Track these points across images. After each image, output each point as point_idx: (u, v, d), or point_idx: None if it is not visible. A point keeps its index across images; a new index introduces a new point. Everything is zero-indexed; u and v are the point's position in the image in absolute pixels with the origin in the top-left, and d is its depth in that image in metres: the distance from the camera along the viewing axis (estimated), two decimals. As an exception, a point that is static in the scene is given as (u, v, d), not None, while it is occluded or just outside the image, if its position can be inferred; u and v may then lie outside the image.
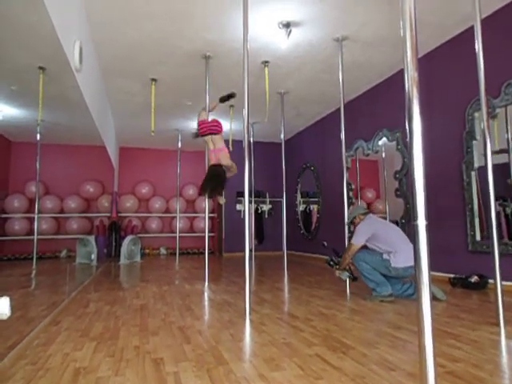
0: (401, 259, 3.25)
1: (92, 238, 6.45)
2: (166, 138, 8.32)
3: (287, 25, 3.95)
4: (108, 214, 8.07)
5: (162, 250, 8.98)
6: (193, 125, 7.40)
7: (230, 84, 5.44)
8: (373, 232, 3.38)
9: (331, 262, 3.64)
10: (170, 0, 3.54)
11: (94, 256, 6.26)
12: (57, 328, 2.48)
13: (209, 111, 4.40)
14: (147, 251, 8.83)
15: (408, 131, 1.21)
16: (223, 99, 4.28)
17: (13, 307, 1.68)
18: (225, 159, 3.81)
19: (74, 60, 3.12)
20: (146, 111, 5.73)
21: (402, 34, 1.23)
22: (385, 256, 3.33)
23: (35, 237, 5.11)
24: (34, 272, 4.72)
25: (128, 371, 1.71)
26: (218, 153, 3.84)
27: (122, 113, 6.77)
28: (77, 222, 7.01)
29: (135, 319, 2.70)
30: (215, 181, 3.72)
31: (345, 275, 3.55)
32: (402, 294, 3.37)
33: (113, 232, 7.96)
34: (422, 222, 1.15)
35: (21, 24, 2.44)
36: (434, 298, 3.14)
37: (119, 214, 8.70)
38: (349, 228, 4.08)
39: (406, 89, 1.21)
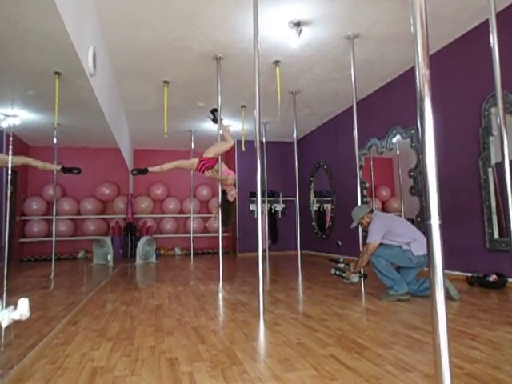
0: (420, 247, 3.25)
1: (108, 239, 6.55)
2: (180, 139, 8.38)
3: (298, 24, 3.93)
4: (123, 216, 8.19)
5: (177, 251, 9.07)
6: (205, 126, 7.45)
7: (241, 84, 5.47)
8: (387, 227, 3.39)
9: (337, 272, 3.56)
10: (181, 3, 3.57)
11: (110, 257, 6.36)
12: (75, 328, 2.53)
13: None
14: (162, 252, 8.92)
15: (420, 130, 1.20)
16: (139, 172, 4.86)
17: (32, 308, 1.72)
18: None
19: (87, 65, 3.18)
20: (159, 113, 5.78)
21: (412, 32, 1.21)
22: (404, 247, 3.32)
23: (53, 238, 5.21)
24: (52, 273, 4.81)
25: (144, 371, 1.73)
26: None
27: (135, 115, 6.85)
28: (93, 223, 7.12)
29: (151, 319, 2.73)
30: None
31: (356, 277, 3.52)
32: (418, 290, 3.34)
33: (128, 233, 8.08)
34: (435, 222, 1.14)
35: (36, 31, 2.49)
36: (447, 295, 3.08)
37: (134, 215, 8.82)
38: (357, 229, 4.02)
39: (418, 87, 1.20)
